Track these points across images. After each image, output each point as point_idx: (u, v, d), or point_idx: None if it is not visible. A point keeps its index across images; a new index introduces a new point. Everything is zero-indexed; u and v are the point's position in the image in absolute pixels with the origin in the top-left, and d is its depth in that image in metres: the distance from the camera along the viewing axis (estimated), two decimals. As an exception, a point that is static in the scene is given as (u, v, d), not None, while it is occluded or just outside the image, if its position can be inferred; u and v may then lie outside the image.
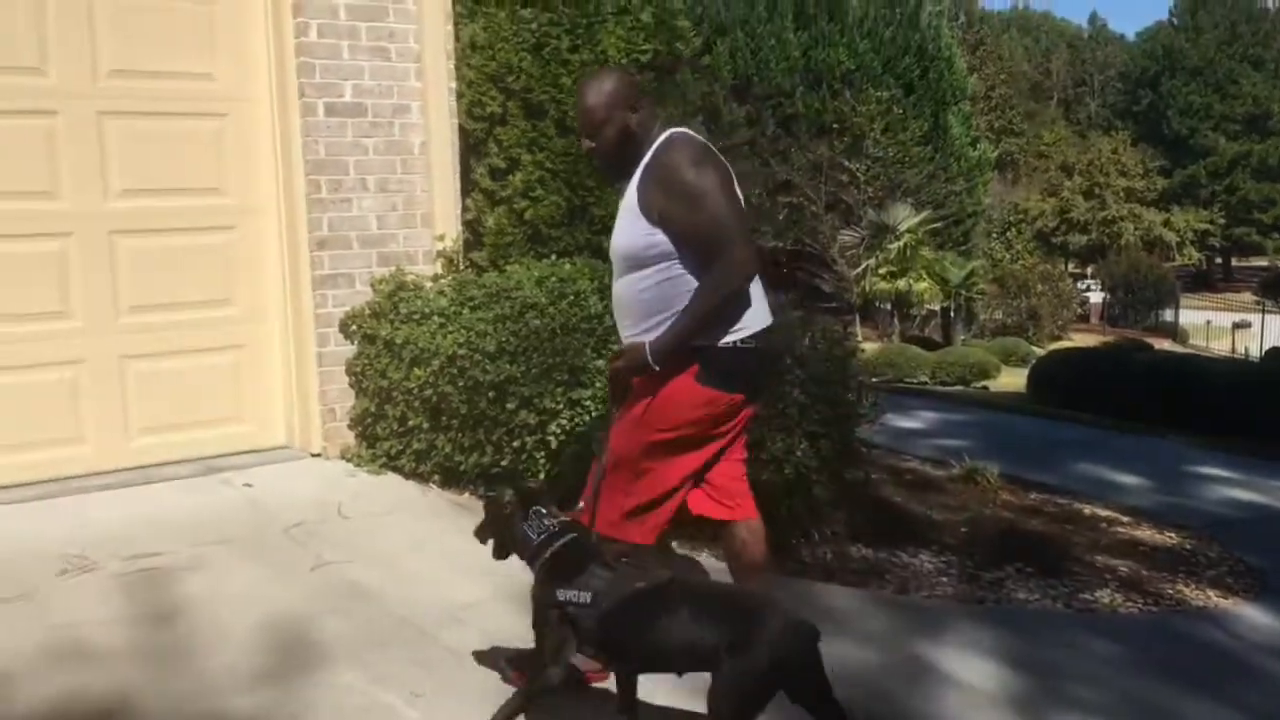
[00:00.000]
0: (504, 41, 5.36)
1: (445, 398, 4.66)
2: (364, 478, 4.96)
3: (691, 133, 3.24)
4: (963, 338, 23.77)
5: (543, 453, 4.53)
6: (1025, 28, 62.04)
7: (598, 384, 4.46)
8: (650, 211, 3.09)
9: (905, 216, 20.83)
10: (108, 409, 4.89)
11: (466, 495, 4.76)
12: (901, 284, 20.95)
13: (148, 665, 3.24)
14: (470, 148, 5.52)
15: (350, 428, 5.16)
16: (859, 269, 20.89)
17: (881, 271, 20.88)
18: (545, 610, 2.84)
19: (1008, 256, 32.07)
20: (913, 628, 3.97)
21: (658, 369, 3.08)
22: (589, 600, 2.78)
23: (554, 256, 5.26)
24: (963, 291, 23.28)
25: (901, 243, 20.71)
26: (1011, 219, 36.24)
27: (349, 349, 5.13)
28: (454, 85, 5.31)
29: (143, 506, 4.52)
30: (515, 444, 4.54)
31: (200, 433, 5.11)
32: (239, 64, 5.04)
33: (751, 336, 3.14)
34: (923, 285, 21.15)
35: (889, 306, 22.82)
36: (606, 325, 4.39)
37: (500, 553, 3.03)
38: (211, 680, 3.16)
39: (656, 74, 5.42)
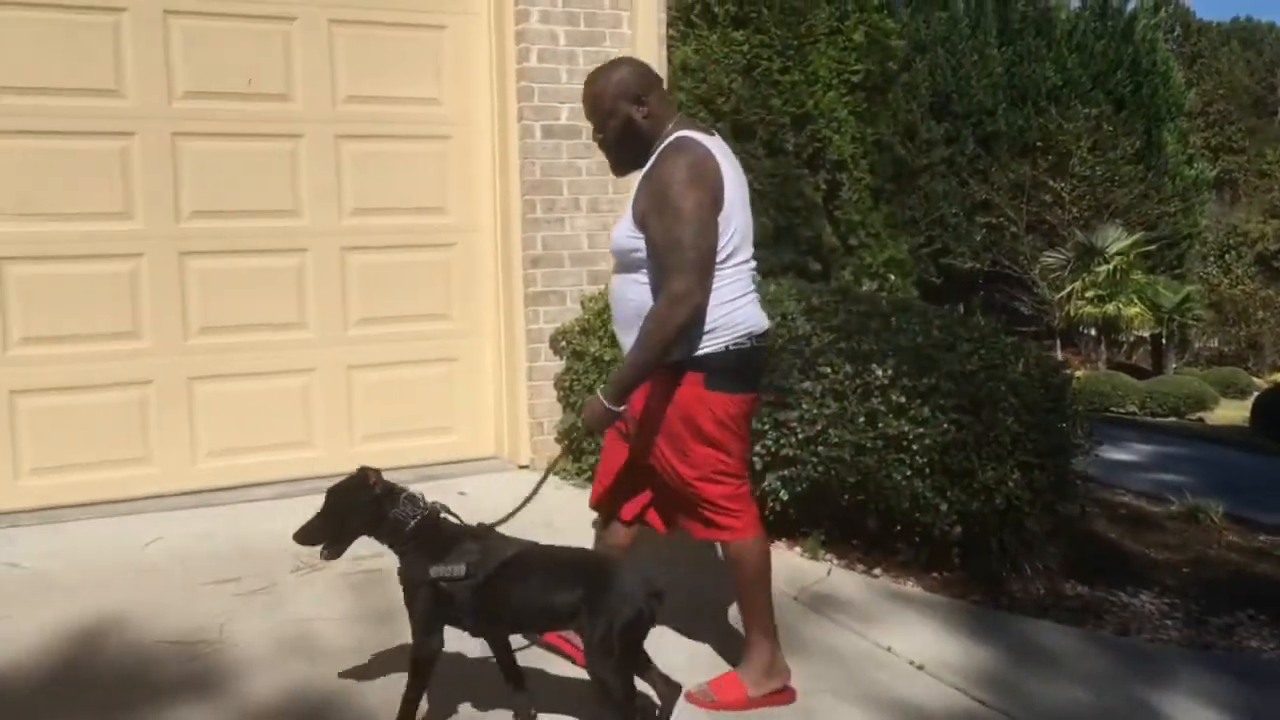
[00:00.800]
0: (715, 64, 5.43)
1: (651, 415, 4.72)
2: (570, 491, 5.08)
3: (698, 137, 3.07)
4: (1174, 366, 22.54)
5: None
6: (1247, 40, 58.51)
7: (804, 405, 4.44)
8: (637, 214, 3.04)
9: (1115, 238, 19.91)
10: (336, 416, 5.18)
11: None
12: (1110, 308, 20.01)
13: (372, 662, 3.41)
14: (679, 168, 5.60)
15: (557, 441, 5.30)
16: (1063, 292, 20.10)
17: (1088, 295, 20.01)
18: (417, 588, 2.97)
19: (1226, 281, 30.25)
20: (1136, 671, 3.78)
21: (621, 410, 3.05)
22: (464, 572, 2.90)
23: (759, 277, 5.27)
24: (1176, 318, 22.08)
25: (1110, 265, 19.81)
26: (1230, 242, 34.18)
27: (558, 364, 5.27)
28: (665, 108, 5.40)
29: (365, 509, 4.76)
30: (720, 463, 4.57)
31: (416, 441, 5.35)
32: (463, 89, 5.27)
33: (745, 337, 3.11)
34: (1134, 310, 20.15)
35: (1094, 332, 21.86)
36: (814, 347, 4.38)
37: (336, 550, 3.05)
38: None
39: (867, 94, 5.37)
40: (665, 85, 5.33)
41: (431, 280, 5.32)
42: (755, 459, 4.54)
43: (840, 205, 5.51)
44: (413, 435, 5.34)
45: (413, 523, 3.01)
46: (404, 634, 3.57)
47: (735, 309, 3.10)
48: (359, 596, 3.86)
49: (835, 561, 4.37)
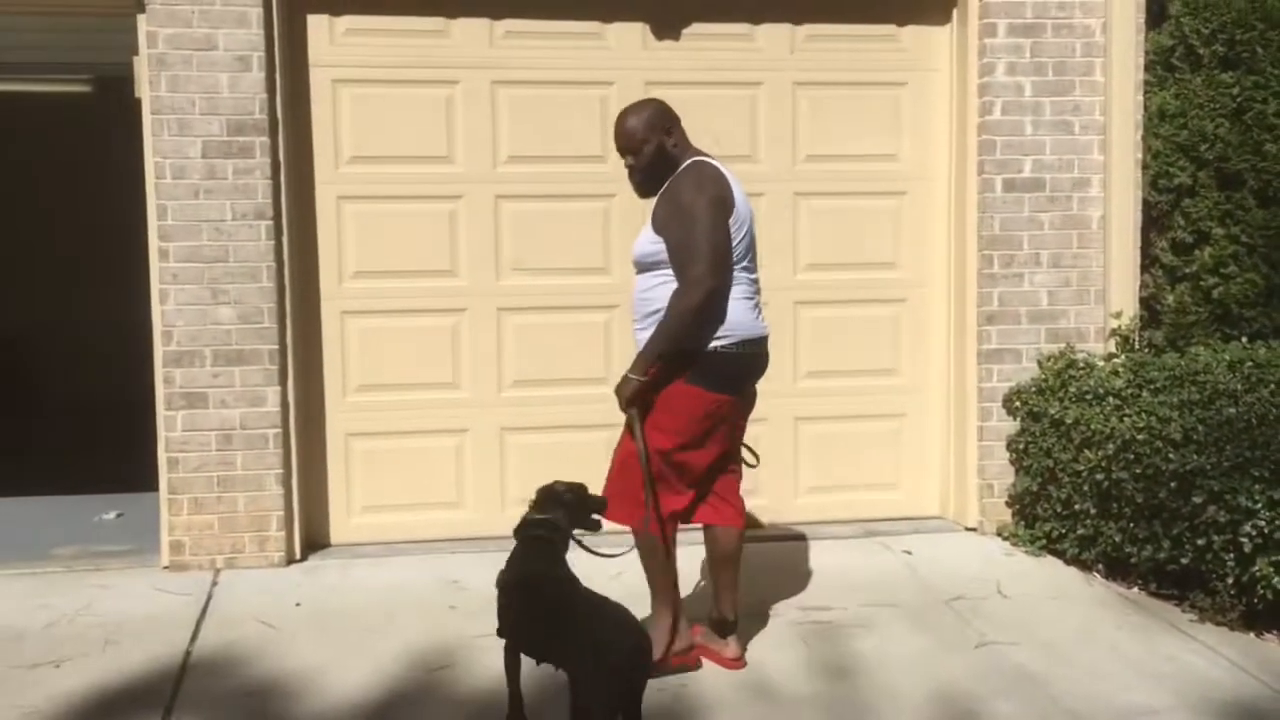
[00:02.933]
0: (1198, 109, 5.02)
1: (1119, 484, 4.41)
2: (1021, 558, 4.85)
3: (710, 161, 3.65)
4: None
5: (1231, 554, 4.10)
6: None
7: (1305, 484, 3.96)
8: (657, 222, 3.56)
9: None
10: (781, 466, 5.28)
11: (1136, 589, 4.46)
12: None
13: (829, 715, 3.42)
14: (1151, 221, 5.23)
15: (1008, 505, 5.08)
16: None
17: None
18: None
19: None
20: None
21: (645, 378, 3.49)
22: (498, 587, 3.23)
23: (1245, 339, 4.80)
24: None
25: None
26: None
27: (1011, 425, 5.06)
28: (1139, 156, 5.07)
29: (811, 560, 4.81)
30: (1199, 541, 4.17)
31: (860, 495, 5.35)
32: (921, 144, 5.24)
33: (736, 343, 3.55)
34: None
35: None
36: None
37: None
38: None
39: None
40: (1140, 131, 5.05)
41: (881, 335, 5.31)
42: (1244, 539, 4.10)
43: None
44: (857, 490, 5.34)
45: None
46: (863, 690, 3.57)
47: (733, 311, 3.55)
48: (809, 646, 3.89)
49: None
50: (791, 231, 5.21)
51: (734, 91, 5.13)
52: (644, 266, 3.62)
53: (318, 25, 4.87)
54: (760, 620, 4.11)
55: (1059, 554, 4.78)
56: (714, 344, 3.53)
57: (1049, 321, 5.10)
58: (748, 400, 3.76)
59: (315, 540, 4.93)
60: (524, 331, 5.10)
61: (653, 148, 3.61)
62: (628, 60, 5.05)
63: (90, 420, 7.22)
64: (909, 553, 4.90)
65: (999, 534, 5.07)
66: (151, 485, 4.80)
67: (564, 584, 3.16)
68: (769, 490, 5.28)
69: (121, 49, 4.96)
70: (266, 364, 4.68)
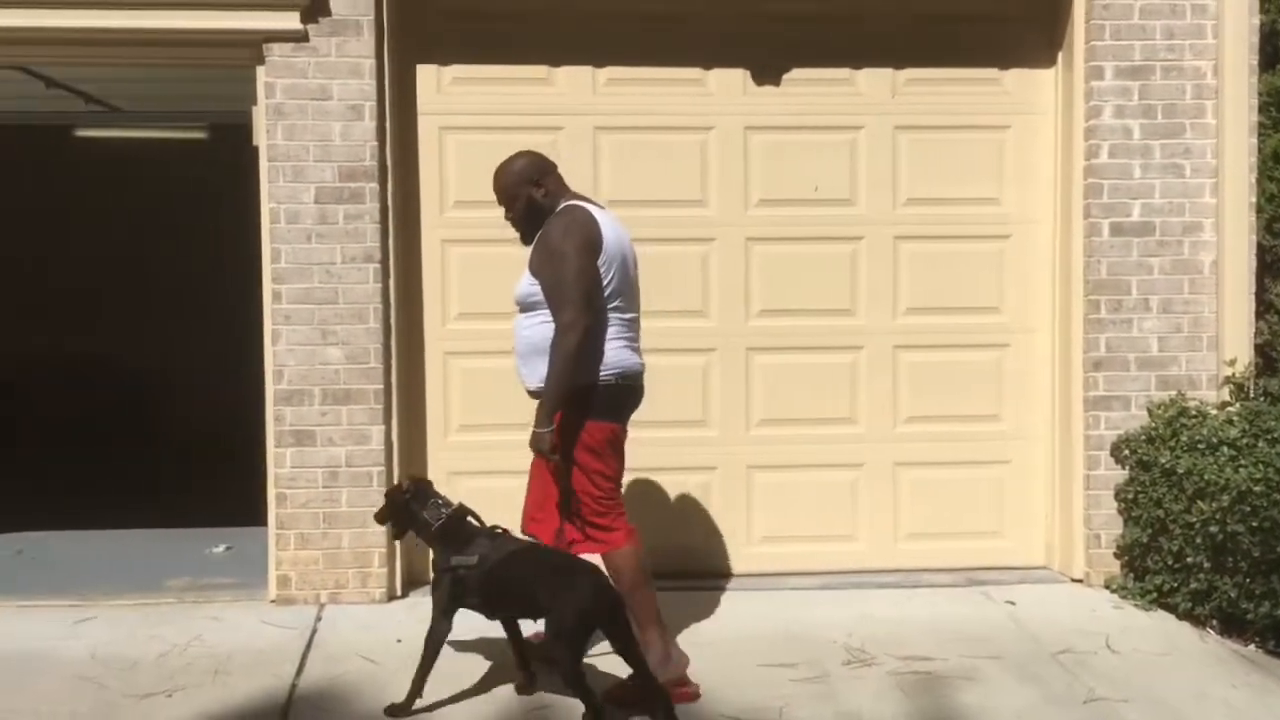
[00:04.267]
0: (1314, 151, 4.89)
1: (1234, 537, 4.27)
2: (1131, 611, 4.71)
3: (582, 204, 3.91)
4: None
5: (1358, 613, 3.95)
6: None
7: None
8: (532, 266, 3.86)
9: None
10: (881, 511, 5.23)
11: (1253, 647, 4.30)
12: None
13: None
14: (1265, 266, 5.08)
15: (1116, 556, 4.94)
16: None
17: None
18: (441, 574, 3.68)
19: None
20: None
21: (550, 429, 3.75)
22: (475, 562, 3.62)
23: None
24: None
25: None
26: None
27: (1119, 474, 4.93)
28: (1253, 200, 4.94)
29: (912, 609, 4.73)
30: (1321, 599, 4.02)
31: (961, 544, 5.25)
32: (1024, 187, 5.18)
33: (615, 375, 3.86)
34: None
35: None
36: None
37: (398, 533, 3.97)
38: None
39: None
40: (1254, 174, 4.92)
41: (983, 380, 5.23)
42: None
43: None
44: (958, 538, 5.24)
45: (435, 521, 3.72)
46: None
47: (608, 351, 3.84)
48: (909, 697, 3.83)
49: None
50: (891, 275, 5.18)
51: (834, 135, 5.14)
52: (524, 307, 3.93)
53: (426, 75, 5.01)
54: (859, 669, 4.06)
55: (1170, 608, 4.63)
56: (598, 378, 3.83)
57: (1159, 368, 4.97)
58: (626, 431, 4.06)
59: (416, 577, 4.97)
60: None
61: (523, 201, 3.92)
62: (728, 105, 5.10)
63: (203, 455, 7.43)
64: (1012, 603, 4.79)
65: (1107, 586, 4.93)
66: (260, 520, 4.93)
67: (536, 549, 3.76)
68: (867, 536, 5.24)
69: (237, 98, 5.18)
70: (372, 403, 4.79)
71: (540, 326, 3.84)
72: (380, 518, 4.04)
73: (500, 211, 4.95)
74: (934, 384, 5.22)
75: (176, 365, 8.62)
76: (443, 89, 5.03)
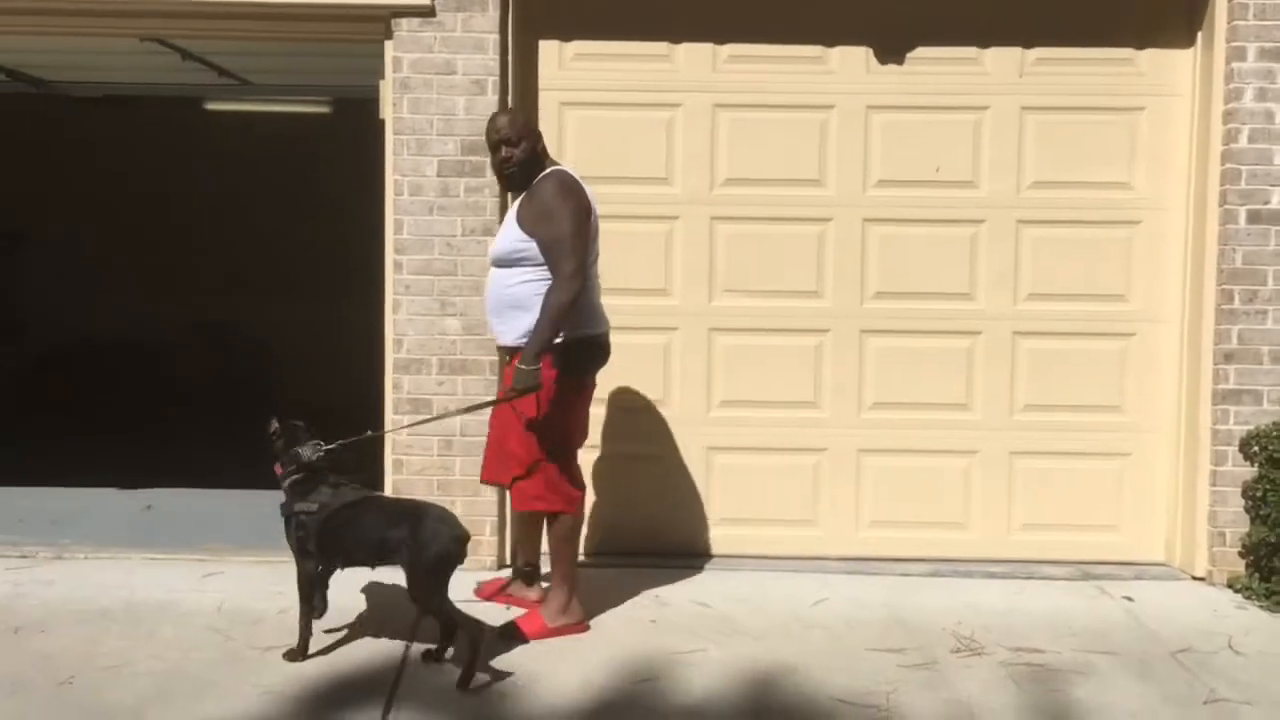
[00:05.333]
0: None
1: (1371, 540, 4.09)
2: (1255, 612, 4.55)
3: (570, 170, 4.15)
4: None
5: None
6: None
7: None
8: (524, 223, 4.01)
9: None
10: (994, 501, 5.14)
11: (1388, 655, 4.12)
12: None
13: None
14: None
15: (1241, 555, 4.78)
16: None
17: None
18: (288, 519, 3.88)
19: None
20: None
21: (537, 367, 3.89)
22: (315, 509, 3.81)
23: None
24: None
25: None
26: None
27: (1248, 470, 4.76)
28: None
29: (1023, 600, 4.64)
30: None
31: (1076, 536, 5.13)
32: (1157, 172, 5.02)
33: (598, 332, 4.14)
34: None
35: None
36: None
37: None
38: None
39: None
40: None
41: (1106, 370, 5.10)
42: None
43: None
44: (1073, 530, 5.13)
45: (286, 469, 3.90)
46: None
47: (588, 310, 4.07)
48: (1020, 688, 3.76)
49: None
50: (1013, 260, 5.07)
51: (957, 116, 5.04)
52: (509, 262, 4.06)
53: (548, 50, 5.05)
54: (968, 657, 4.00)
55: (1299, 610, 4.47)
56: (580, 333, 4.04)
57: (1297, 362, 4.79)
58: (593, 385, 4.28)
59: (525, 547, 5.08)
60: (734, 352, 5.12)
61: (529, 145, 4.09)
62: (850, 84, 5.03)
63: (326, 421, 7.69)
64: (1130, 599, 4.67)
65: (1230, 585, 4.78)
66: (377, 485, 5.06)
67: (379, 500, 4.00)
68: (979, 525, 5.15)
69: (360, 73, 5.30)
70: (487, 374, 4.87)
71: (526, 283, 4.01)
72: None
73: (619, 188, 5.04)
74: (1054, 372, 5.10)
75: (301, 334, 8.86)
76: (564, 65, 5.06)
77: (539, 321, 3.92)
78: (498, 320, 4.14)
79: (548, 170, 4.11)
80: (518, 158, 4.09)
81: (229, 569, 4.84)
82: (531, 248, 4.00)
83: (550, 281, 3.94)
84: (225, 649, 3.96)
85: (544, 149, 4.18)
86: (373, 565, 3.98)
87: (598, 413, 5.06)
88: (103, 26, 5.09)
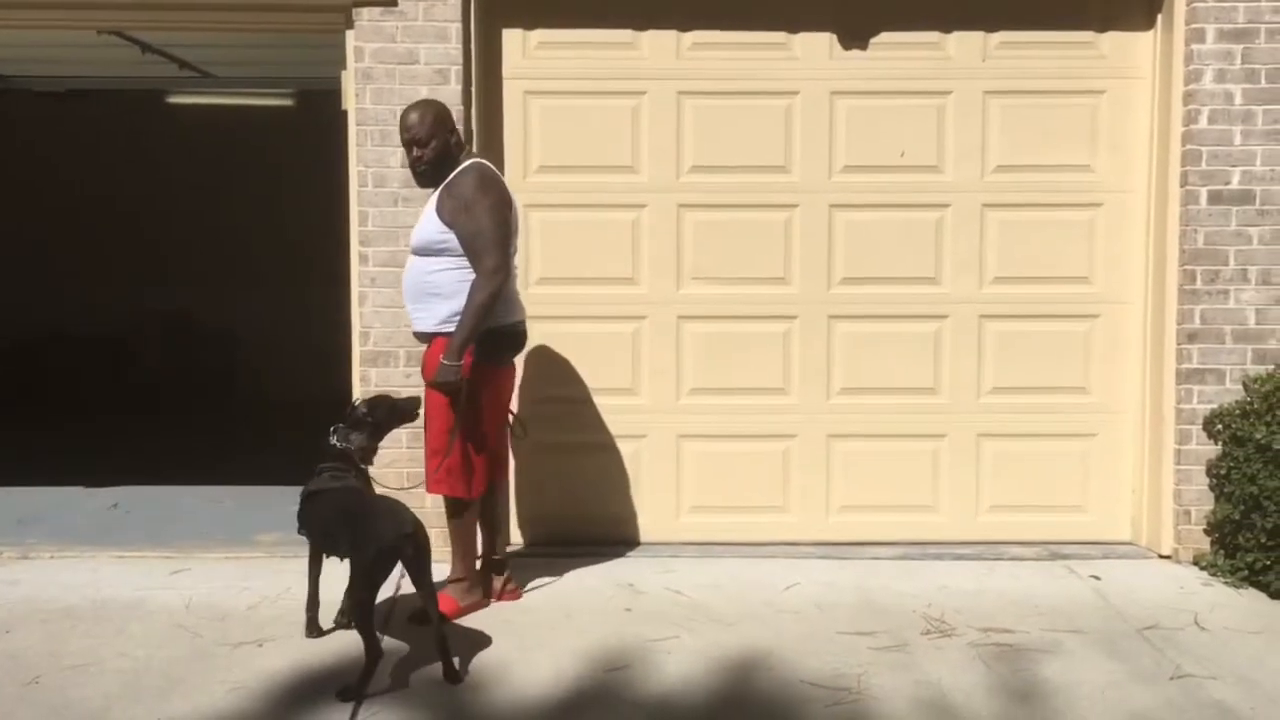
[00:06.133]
0: None
1: (1332, 516, 4.15)
2: (1220, 589, 4.61)
3: (488, 164, 4.23)
4: None
5: None
6: None
7: None
8: (444, 214, 4.06)
9: None
10: (963, 483, 5.17)
11: (1348, 628, 4.18)
12: None
13: (1013, 740, 3.33)
14: (1372, 237, 4.90)
15: (1206, 533, 4.84)
16: None
17: None
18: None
19: None
20: None
21: (460, 363, 4.00)
22: (303, 491, 3.99)
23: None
24: None
25: None
26: None
27: (1211, 449, 4.82)
28: (1361, 168, 4.77)
29: (993, 581, 4.68)
30: None
31: (1043, 517, 5.18)
32: (1118, 155, 5.05)
33: (516, 321, 4.26)
34: None
35: None
36: None
37: None
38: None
39: None
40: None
41: (1071, 351, 5.13)
42: None
43: None
44: (1041, 511, 5.17)
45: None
46: (1048, 715, 3.46)
47: (507, 300, 4.15)
48: (990, 668, 3.79)
49: None
50: (978, 244, 5.09)
51: (921, 101, 5.05)
52: (430, 252, 4.11)
53: (512, 39, 5.02)
54: (939, 639, 4.03)
55: (1263, 586, 4.52)
56: (495, 323, 4.11)
57: (1256, 341, 4.83)
58: (513, 370, 4.44)
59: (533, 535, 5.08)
60: (702, 340, 5.13)
61: (440, 142, 4.11)
62: (814, 70, 5.04)
63: (292, 414, 7.64)
64: (1097, 578, 4.71)
65: (1196, 563, 4.83)
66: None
67: (347, 492, 3.93)
68: (948, 507, 5.19)
69: (323, 63, 5.25)
70: (455, 366, 4.84)
71: (448, 271, 4.08)
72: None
73: (585, 178, 5.04)
74: (1020, 355, 5.13)
75: (268, 327, 8.80)
76: (528, 53, 5.04)
77: (463, 318, 4.02)
78: (416, 307, 4.19)
79: (465, 163, 4.16)
80: (428, 157, 4.14)
81: (196, 566, 4.80)
82: (452, 239, 4.06)
83: (469, 270, 4.03)
84: (194, 646, 3.93)
85: (458, 142, 4.22)
86: (336, 555, 3.97)
87: (568, 403, 5.10)
88: (60, 19, 5.05)
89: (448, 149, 4.15)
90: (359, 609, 3.63)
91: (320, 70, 5.43)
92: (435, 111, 4.19)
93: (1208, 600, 4.47)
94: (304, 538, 4.07)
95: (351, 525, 3.74)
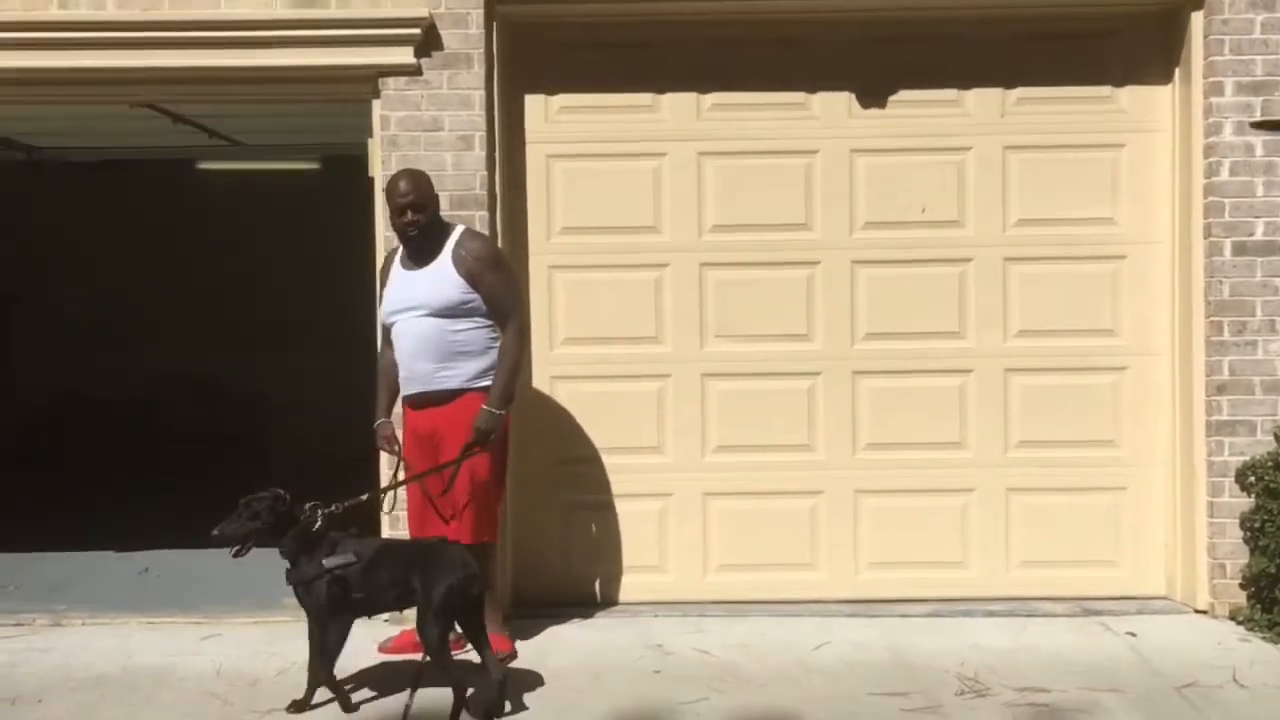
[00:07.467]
0: None
1: (1370, 569, 4.09)
2: (1258, 644, 4.53)
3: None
4: None
5: None
6: None
7: None
8: (469, 277, 4.27)
9: None
10: (992, 538, 5.13)
11: (1392, 684, 4.10)
12: None
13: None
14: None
15: (1242, 587, 4.77)
16: None
17: None
18: (316, 582, 3.80)
19: None
20: None
21: (505, 412, 4.28)
22: (354, 559, 3.79)
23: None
24: None
25: None
26: None
27: (1245, 501, 4.77)
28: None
29: (1026, 638, 4.62)
30: None
31: (1075, 572, 5.12)
32: (1140, 207, 5.06)
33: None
34: None
35: None
36: None
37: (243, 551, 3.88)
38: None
39: None
40: None
41: (1099, 404, 5.11)
42: None
43: None
44: (1073, 566, 5.12)
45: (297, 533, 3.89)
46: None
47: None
48: (1026, 730, 3.74)
49: None
50: (1001, 297, 5.10)
51: (941, 157, 5.09)
52: (455, 313, 4.28)
53: (534, 104, 5.11)
54: (973, 699, 3.98)
55: (1302, 642, 4.46)
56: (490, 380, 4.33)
57: (1282, 392, 4.80)
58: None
59: (522, 596, 5.07)
60: (727, 397, 5.14)
61: (434, 207, 4.37)
62: (833, 129, 5.09)
63: (321, 474, 7.69)
64: (1132, 634, 4.65)
65: (1232, 618, 4.76)
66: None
67: (390, 544, 4.11)
68: (978, 563, 5.15)
69: (349, 130, 5.34)
70: (481, 427, 4.86)
71: (475, 330, 4.31)
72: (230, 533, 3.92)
73: (608, 238, 5.10)
74: (1047, 408, 5.11)
75: (294, 388, 8.86)
76: (550, 118, 5.12)
77: (503, 373, 4.30)
78: (440, 366, 4.30)
79: (458, 227, 4.44)
80: (424, 221, 4.31)
81: (226, 631, 4.81)
82: (477, 299, 4.29)
83: (493, 327, 4.32)
84: (224, 714, 3.93)
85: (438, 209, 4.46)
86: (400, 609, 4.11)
87: (595, 462, 5.10)
88: (97, 95, 5.18)
89: (437, 213, 4.40)
90: (432, 647, 3.70)
91: (347, 136, 5.53)
92: (426, 178, 4.43)
93: (1246, 656, 4.40)
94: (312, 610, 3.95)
95: (420, 570, 3.78)
